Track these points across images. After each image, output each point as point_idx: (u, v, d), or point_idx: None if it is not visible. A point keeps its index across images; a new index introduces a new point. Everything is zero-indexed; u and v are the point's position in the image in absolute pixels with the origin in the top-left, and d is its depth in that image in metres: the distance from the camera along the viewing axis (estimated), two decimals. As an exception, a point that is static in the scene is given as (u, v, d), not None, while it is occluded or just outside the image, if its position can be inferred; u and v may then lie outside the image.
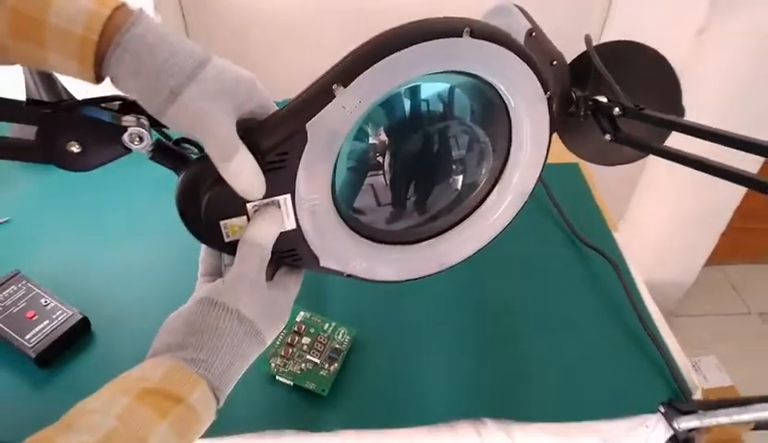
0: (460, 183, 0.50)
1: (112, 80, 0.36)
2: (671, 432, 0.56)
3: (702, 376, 1.27)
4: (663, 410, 0.56)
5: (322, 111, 0.37)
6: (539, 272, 0.72)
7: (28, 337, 0.59)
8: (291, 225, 0.41)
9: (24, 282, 0.64)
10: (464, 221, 0.50)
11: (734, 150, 0.46)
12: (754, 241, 1.78)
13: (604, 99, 0.57)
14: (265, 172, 0.38)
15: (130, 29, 0.34)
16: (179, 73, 0.34)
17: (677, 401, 0.56)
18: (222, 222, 0.39)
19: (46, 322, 0.60)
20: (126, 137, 0.38)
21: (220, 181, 0.38)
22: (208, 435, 0.52)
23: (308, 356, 0.59)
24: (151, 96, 0.35)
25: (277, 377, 0.58)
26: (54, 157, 0.38)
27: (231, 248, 0.40)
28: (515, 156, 0.48)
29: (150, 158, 0.40)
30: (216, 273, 0.42)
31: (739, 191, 1.36)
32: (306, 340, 0.61)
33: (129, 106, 0.40)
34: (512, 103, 0.45)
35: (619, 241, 0.77)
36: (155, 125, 0.40)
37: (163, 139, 0.41)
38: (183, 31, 1.10)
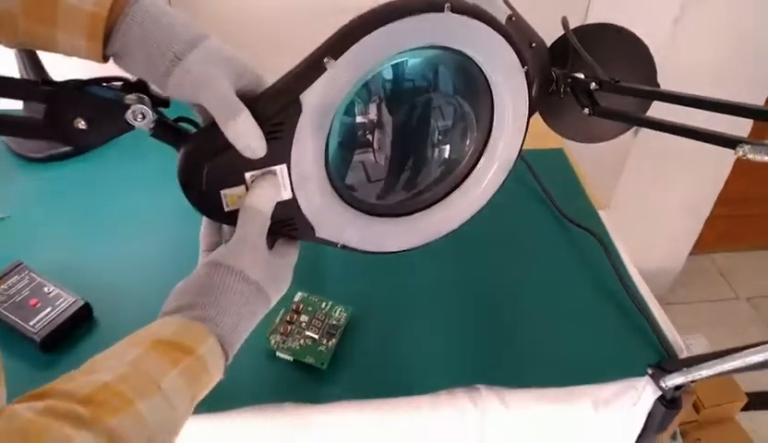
0: (447, 153, 0.52)
1: (116, 57, 0.39)
2: (659, 393, 0.58)
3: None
4: (650, 372, 0.59)
5: (315, 83, 0.39)
6: (529, 250, 0.74)
7: (32, 323, 0.60)
8: (287, 195, 0.43)
9: (27, 272, 0.65)
10: (454, 191, 0.52)
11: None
12: (741, 228, 1.82)
13: (581, 75, 0.60)
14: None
15: (137, 2, 0.37)
16: (182, 40, 0.37)
17: (663, 362, 0.59)
18: (222, 192, 0.41)
19: (49, 309, 0.62)
20: (129, 113, 0.40)
21: (219, 152, 0.40)
22: (211, 409, 0.54)
23: (307, 332, 0.61)
24: (156, 61, 0.37)
25: (277, 353, 0.60)
26: (62, 133, 0.40)
27: (230, 218, 0.42)
28: (498, 127, 0.50)
29: (152, 135, 0.42)
30: (216, 248, 0.44)
31: (722, 177, 1.40)
32: (304, 317, 0.63)
33: (131, 86, 0.42)
34: (492, 77, 0.47)
35: (605, 220, 0.80)
36: (156, 104, 0.42)
37: (164, 116, 0.43)
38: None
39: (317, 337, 0.61)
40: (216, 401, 0.55)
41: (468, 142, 0.51)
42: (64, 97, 0.40)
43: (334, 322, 0.63)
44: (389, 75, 0.46)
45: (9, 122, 0.40)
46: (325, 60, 0.39)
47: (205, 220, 0.44)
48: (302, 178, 0.43)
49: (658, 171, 1.35)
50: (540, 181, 0.85)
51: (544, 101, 0.64)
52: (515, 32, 0.66)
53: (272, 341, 0.60)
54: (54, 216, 0.76)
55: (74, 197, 0.79)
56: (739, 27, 1.16)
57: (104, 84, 0.42)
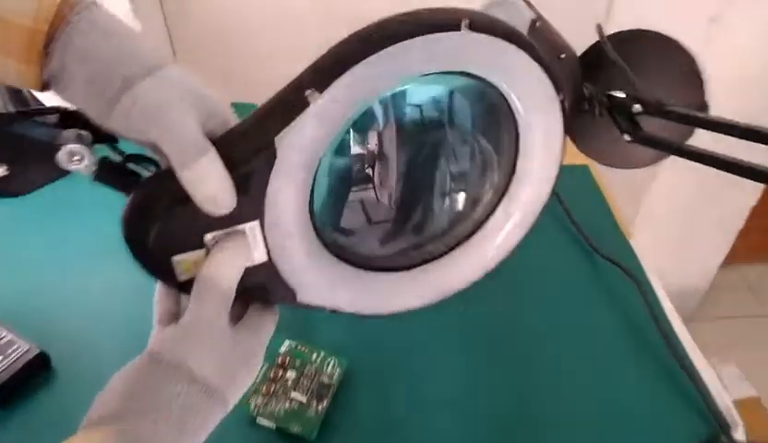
0: (459, 199, 0.43)
1: (53, 81, 0.30)
2: (709, 473, 0.49)
3: (723, 385, 1.20)
4: (699, 448, 0.49)
5: (294, 122, 0.30)
6: (551, 289, 0.65)
7: (-20, 375, 0.52)
8: (261, 258, 0.34)
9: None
10: (465, 242, 0.43)
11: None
12: (771, 240, 1.71)
13: (621, 94, 0.51)
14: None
15: (83, 11, 0.28)
16: (137, 63, 0.29)
17: (716, 441, 0.49)
18: (174, 259, 0.32)
19: (0, 358, 0.54)
20: (60, 155, 0.32)
21: (173, 205, 0.31)
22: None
23: (293, 393, 0.52)
24: (100, 88, 0.29)
25: (258, 420, 0.51)
26: None
27: (187, 288, 0.33)
28: (522, 167, 0.41)
29: (95, 179, 0.34)
30: (174, 319, 0.35)
31: (757, 191, 1.29)
32: (290, 374, 0.54)
33: (70, 118, 0.34)
34: (519, 107, 0.38)
35: (636, 250, 0.70)
36: (100, 140, 0.34)
37: (111, 157, 0.34)
38: (167, 41, 1.04)
39: (305, 400, 0.52)
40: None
41: (486, 185, 0.42)
42: None
43: (326, 379, 0.54)
44: (389, 107, 0.37)
45: None
46: (307, 93, 0.30)
47: (158, 296, 0.36)
48: (280, 236, 0.34)
49: (687, 183, 1.24)
50: (563, 203, 0.75)
51: (574, 120, 0.55)
52: (542, 42, 0.57)
53: (252, 405, 0.51)
54: (4, 249, 0.68)
55: (27, 232, 0.70)
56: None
57: (36, 118, 0.33)
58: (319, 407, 0.52)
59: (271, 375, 0.54)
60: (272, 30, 1.03)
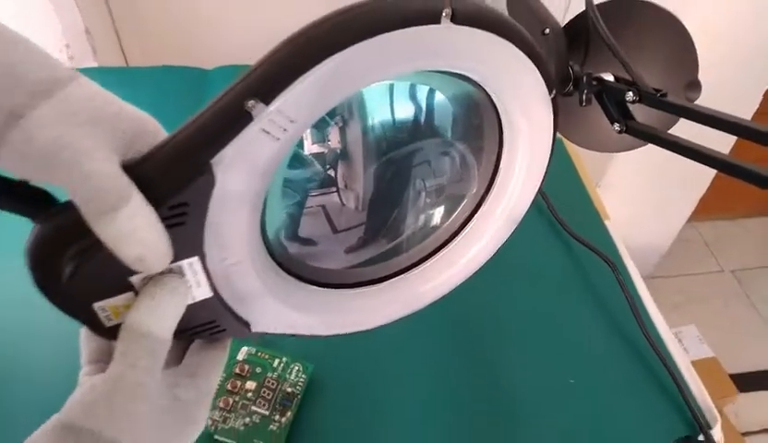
0: (435, 204, 0.38)
1: None
2: (686, 472, 0.48)
3: (683, 347, 1.22)
4: (677, 447, 0.48)
5: (235, 140, 0.24)
6: (527, 277, 0.62)
7: None
8: (205, 294, 0.29)
9: None
10: (440, 251, 0.39)
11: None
12: (727, 196, 1.74)
13: (611, 77, 0.46)
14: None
15: None
16: (26, 85, 0.22)
17: (693, 439, 0.48)
18: (96, 305, 0.26)
19: None
20: None
21: (89, 243, 0.25)
22: None
23: (254, 407, 0.48)
24: None
25: (215, 437, 0.47)
26: None
27: (116, 334, 0.27)
28: (506, 172, 0.36)
29: None
30: (105, 359, 0.29)
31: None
32: (250, 384, 0.49)
33: None
34: (505, 107, 0.33)
35: (614, 237, 0.68)
36: None
37: (6, 176, 0.27)
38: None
39: (267, 412, 0.48)
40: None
41: (466, 189, 0.37)
42: None
43: (290, 389, 0.50)
44: (354, 106, 0.31)
45: None
46: (249, 104, 0.24)
47: (83, 341, 0.30)
48: (225, 267, 0.29)
49: (653, 148, 1.23)
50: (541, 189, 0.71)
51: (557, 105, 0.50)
52: (523, 15, 0.51)
53: (209, 421, 0.47)
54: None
55: None
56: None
57: None
58: (283, 420, 0.48)
59: (229, 386, 0.49)
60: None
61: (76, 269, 0.25)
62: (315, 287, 0.35)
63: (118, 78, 0.82)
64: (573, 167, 0.77)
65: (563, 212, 0.68)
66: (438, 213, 0.38)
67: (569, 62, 0.48)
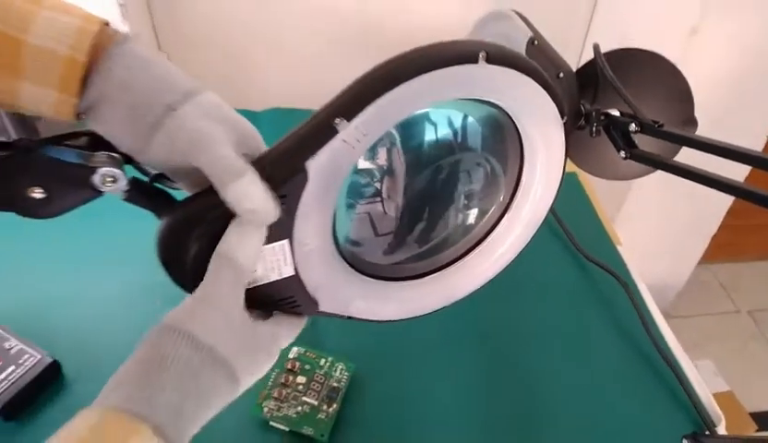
0: (467, 213, 0.45)
1: (90, 110, 0.31)
2: (695, 466, 0.52)
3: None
4: (686, 442, 0.53)
5: (324, 147, 0.32)
6: (544, 293, 0.68)
7: (-9, 386, 0.53)
8: (289, 272, 0.36)
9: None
10: (471, 252, 0.46)
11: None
12: (741, 239, 1.78)
13: (616, 112, 0.54)
14: None
15: (122, 44, 0.30)
16: (176, 90, 0.31)
17: (700, 434, 0.53)
18: None
19: (11, 368, 0.54)
20: (96, 178, 0.33)
21: (211, 228, 0.33)
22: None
23: (304, 398, 0.54)
24: (142, 114, 0.30)
25: (271, 423, 0.53)
26: (14, 204, 0.33)
27: None
28: (527, 183, 0.44)
29: (126, 199, 0.35)
30: None
31: (729, 196, 1.35)
32: (300, 379, 0.56)
33: (98, 142, 0.35)
34: (526, 130, 0.41)
35: (623, 255, 0.74)
36: (129, 161, 0.35)
37: (140, 177, 0.36)
38: (154, 41, 1.04)
39: (316, 403, 0.54)
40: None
41: (492, 200, 0.45)
42: (14, 162, 0.32)
43: (335, 384, 0.56)
44: (406, 129, 0.39)
45: None
46: (336, 121, 0.32)
47: None
48: (306, 252, 0.36)
49: (665, 186, 1.29)
50: (555, 212, 0.78)
51: (570, 135, 0.58)
52: (540, 59, 0.59)
53: (265, 409, 0.53)
54: (14, 255, 0.68)
55: (34, 238, 0.70)
56: (757, 38, 1.10)
57: (66, 142, 0.34)
58: (330, 410, 0.54)
59: (282, 380, 0.55)
60: (264, 31, 1.04)
61: (200, 245, 0.33)
62: (367, 277, 0.42)
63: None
64: (589, 200, 0.84)
65: (580, 239, 0.74)
66: (471, 217, 0.45)
67: (580, 100, 0.56)
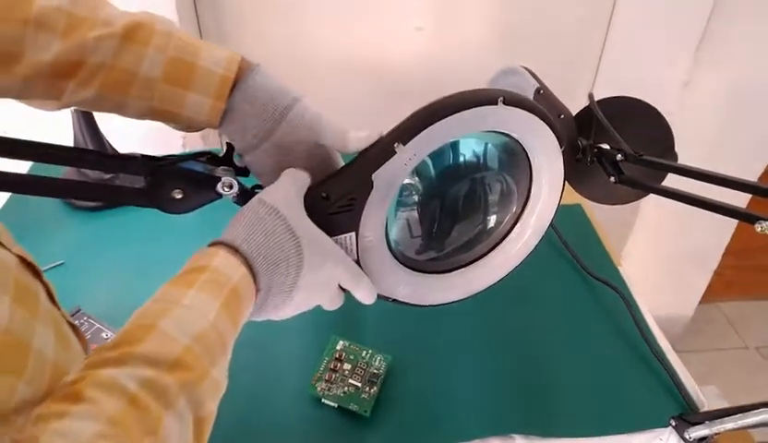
0: (488, 221, 0.57)
1: (228, 112, 0.45)
2: (682, 443, 0.62)
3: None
4: (674, 423, 0.62)
5: (385, 164, 0.44)
6: (554, 303, 0.79)
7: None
8: (353, 257, 0.48)
9: (85, 318, 0.70)
10: (491, 252, 0.57)
11: (721, 189, 0.54)
12: (748, 278, 1.86)
13: (607, 146, 0.66)
14: (336, 214, 0.45)
15: (252, 68, 0.45)
16: (290, 95, 0.46)
17: (686, 414, 0.62)
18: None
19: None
20: (219, 185, 0.46)
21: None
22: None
23: (350, 380, 0.65)
24: (271, 109, 0.45)
25: (323, 400, 0.64)
26: (160, 202, 0.45)
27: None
28: (535, 198, 0.56)
29: (235, 202, 0.47)
30: None
31: (728, 231, 1.45)
32: (347, 365, 0.67)
33: (216, 160, 0.48)
34: (534, 156, 0.53)
35: (624, 274, 0.84)
36: (237, 174, 0.48)
37: (245, 185, 0.48)
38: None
39: (359, 385, 0.65)
40: (266, 443, 0.59)
41: (507, 211, 0.56)
42: (166, 171, 0.45)
43: (375, 371, 0.67)
44: (443, 154, 0.52)
45: (113, 189, 0.46)
46: (396, 145, 0.44)
47: None
48: (366, 242, 0.48)
49: (666, 224, 1.40)
50: (561, 236, 0.89)
51: (570, 167, 0.70)
52: (545, 105, 0.72)
53: (318, 388, 0.64)
54: (107, 262, 0.81)
55: (125, 243, 0.84)
56: (743, 90, 1.23)
57: (196, 159, 0.47)
58: (372, 391, 0.64)
59: (332, 366, 0.66)
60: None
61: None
62: (410, 270, 0.54)
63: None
64: (593, 228, 0.95)
65: (585, 260, 0.85)
66: (490, 223, 0.57)
67: (578, 137, 0.68)
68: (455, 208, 0.57)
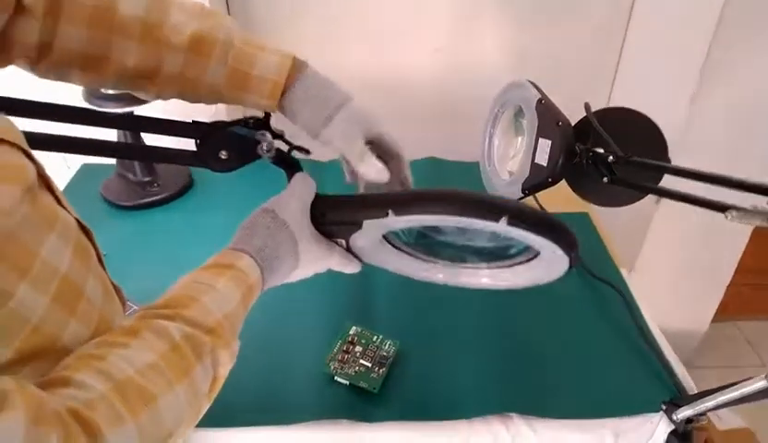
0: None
1: (283, 110, 0.53)
2: (672, 427, 0.65)
3: (717, 417, 1.32)
4: (664, 407, 0.66)
5: (375, 219, 0.49)
6: (554, 297, 0.83)
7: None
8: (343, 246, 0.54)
9: (126, 302, 0.77)
10: (480, 270, 0.59)
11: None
12: (765, 297, 1.86)
13: (600, 150, 0.71)
14: (320, 231, 0.51)
15: (302, 72, 0.53)
16: (342, 93, 0.54)
17: (676, 399, 0.66)
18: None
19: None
20: (260, 147, 0.53)
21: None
22: (278, 422, 0.64)
23: (361, 361, 0.71)
24: (319, 111, 0.52)
25: (335, 378, 0.69)
26: (208, 161, 0.53)
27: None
28: (537, 264, 0.57)
29: (272, 162, 0.54)
30: None
31: (741, 244, 1.47)
32: (358, 348, 0.73)
33: (259, 124, 0.55)
34: (537, 249, 0.52)
35: (625, 276, 0.89)
36: (274, 137, 0.54)
37: (281, 149, 0.55)
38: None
39: (370, 365, 0.71)
40: (282, 416, 0.66)
41: (503, 260, 0.59)
42: (215, 135, 0.52)
43: (384, 353, 0.72)
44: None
45: (167, 153, 0.53)
46: (389, 211, 0.48)
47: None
48: (358, 245, 0.54)
49: (680, 237, 1.43)
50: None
51: (570, 170, 0.75)
52: (545, 113, 0.78)
53: (332, 367, 0.70)
54: (144, 254, 0.89)
55: (159, 239, 0.92)
56: (749, 106, 1.27)
57: (240, 125, 0.53)
58: (381, 371, 0.70)
59: (344, 348, 0.72)
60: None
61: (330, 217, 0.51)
62: (397, 250, 0.58)
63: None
64: (598, 234, 1.00)
65: (589, 263, 0.90)
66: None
67: (575, 142, 0.74)
68: (447, 243, 0.59)
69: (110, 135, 0.94)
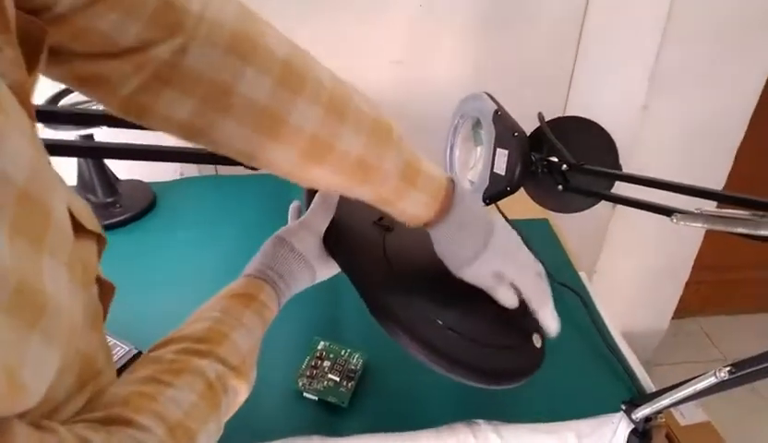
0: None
1: (431, 224, 0.53)
2: (632, 426, 0.68)
3: (679, 413, 1.37)
4: (624, 407, 0.68)
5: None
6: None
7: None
8: None
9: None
10: None
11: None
12: (723, 293, 1.93)
13: (555, 159, 0.74)
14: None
15: (457, 200, 0.52)
16: (487, 217, 0.55)
17: (636, 399, 0.69)
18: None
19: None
20: None
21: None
22: (252, 442, 0.63)
23: (330, 375, 0.71)
24: (471, 243, 0.53)
25: (304, 394, 0.69)
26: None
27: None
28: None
29: None
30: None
31: (696, 244, 1.53)
32: (326, 363, 0.73)
33: None
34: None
35: (585, 280, 0.91)
36: None
37: None
38: None
39: (338, 379, 0.71)
40: (252, 435, 0.65)
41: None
42: None
43: (352, 367, 0.73)
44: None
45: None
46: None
47: (291, 208, 0.61)
48: None
49: (637, 239, 1.48)
50: (529, 247, 0.97)
51: (527, 179, 0.78)
52: (501, 124, 0.80)
53: (300, 383, 0.70)
54: (108, 276, 0.87)
55: (128, 259, 0.91)
56: (695, 113, 1.33)
57: None
58: (349, 385, 0.70)
59: (313, 363, 0.72)
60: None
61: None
62: None
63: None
64: (557, 240, 1.03)
65: (549, 268, 0.92)
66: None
67: (531, 152, 0.76)
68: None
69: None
